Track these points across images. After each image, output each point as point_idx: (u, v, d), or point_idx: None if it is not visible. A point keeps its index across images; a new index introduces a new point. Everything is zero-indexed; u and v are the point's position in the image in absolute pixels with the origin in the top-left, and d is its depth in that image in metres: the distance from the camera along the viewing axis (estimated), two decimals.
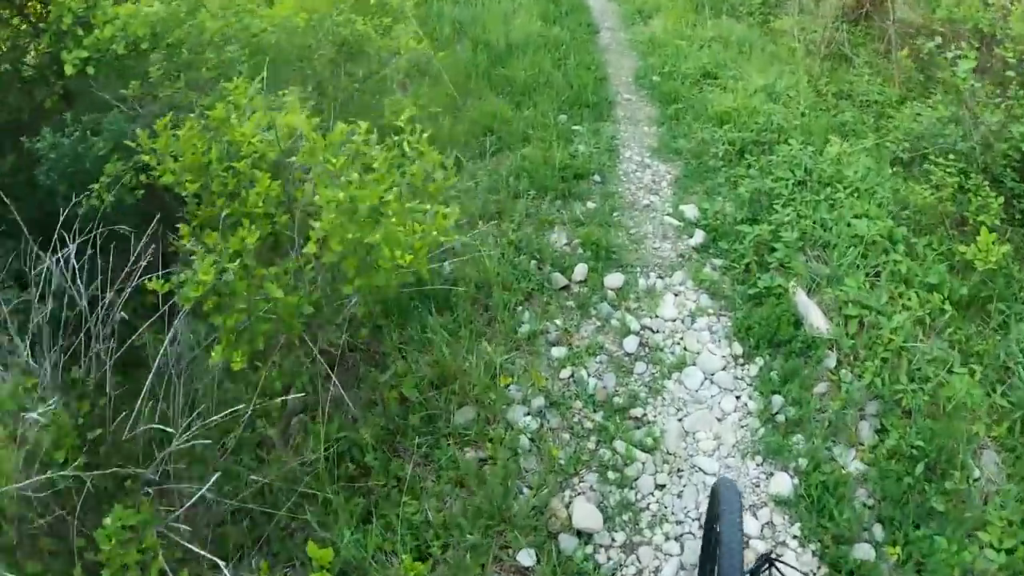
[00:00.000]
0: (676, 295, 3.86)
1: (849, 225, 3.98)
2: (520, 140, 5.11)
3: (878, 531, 2.77)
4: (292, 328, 2.47)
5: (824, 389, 3.36)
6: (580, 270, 3.92)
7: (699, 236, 4.12)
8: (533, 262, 4.00)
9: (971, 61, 3.95)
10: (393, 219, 2.29)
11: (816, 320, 3.55)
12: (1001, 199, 4.03)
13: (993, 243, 3.63)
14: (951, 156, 4.37)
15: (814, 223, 4.03)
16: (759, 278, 3.75)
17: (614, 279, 3.89)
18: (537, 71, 6.03)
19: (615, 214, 4.40)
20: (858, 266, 3.81)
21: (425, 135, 2.78)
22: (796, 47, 6.61)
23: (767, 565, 1.49)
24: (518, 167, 4.72)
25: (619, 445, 3.08)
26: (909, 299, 3.60)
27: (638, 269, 4.00)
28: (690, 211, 4.31)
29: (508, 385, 3.37)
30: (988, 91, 4.08)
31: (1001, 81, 4.35)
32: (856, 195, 4.21)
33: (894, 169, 4.71)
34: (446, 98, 5.75)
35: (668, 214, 4.39)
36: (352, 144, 2.50)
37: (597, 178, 4.74)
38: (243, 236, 2.31)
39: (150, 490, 2.10)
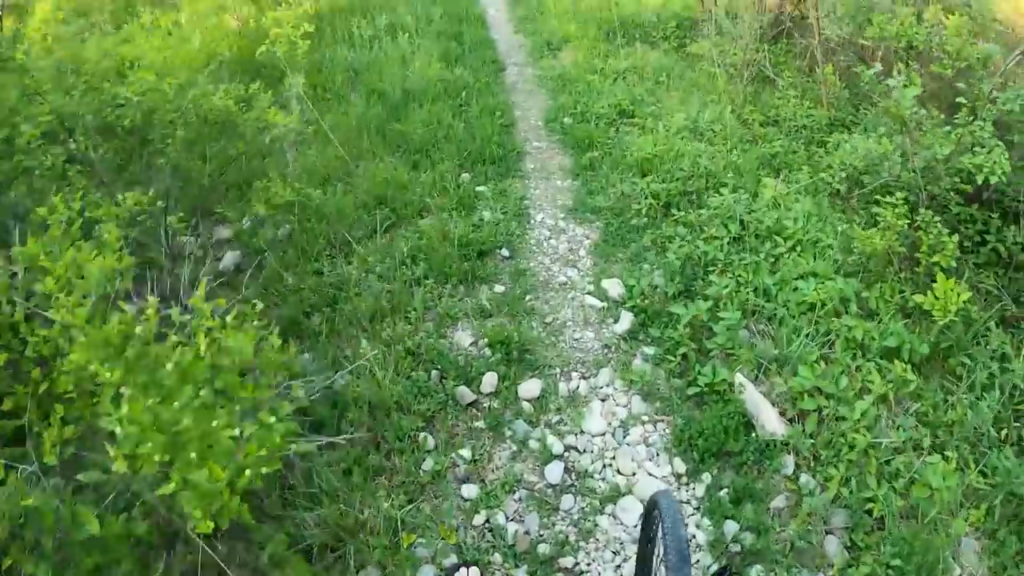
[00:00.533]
0: (603, 400, 3.19)
1: (796, 290, 3.41)
2: (417, 211, 4.41)
3: None
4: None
5: (783, 503, 2.80)
6: (489, 379, 3.21)
7: (626, 320, 3.47)
8: (434, 373, 3.27)
9: (915, 88, 3.46)
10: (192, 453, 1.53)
11: (769, 420, 2.93)
12: (955, 237, 3.55)
13: (951, 289, 3.13)
14: (893, 189, 3.90)
15: (755, 291, 3.45)
16: (699, 372, 3.12)
17: (530, 387, 3.19)
18: (436, 123, 5.37)
19: (528, 298, 3.72)
20: (809, 337, 3.24)
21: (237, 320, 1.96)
22: (716, 72, 6.15)
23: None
24: (414, 247, 4.00)
25: None
26: (869, 374, 3.05)
27: (557, 370, 3.31)
28: (614, 288, 3.67)
29: (412, 544, 2.64)
30: (936, 118, 3.59)
31: (943, 104, 3.91)
32: (799, 248, 3.66)
33: (833, 205, 4.21)
34: (336, 161, 5.02)
35: (589, 292, 3.74)
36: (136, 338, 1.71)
37: (505, 252, 4.07)
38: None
39: None
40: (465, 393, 3.17)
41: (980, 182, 3.48)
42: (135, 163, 3.92)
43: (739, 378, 3.04)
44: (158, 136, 3.66)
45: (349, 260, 4.04)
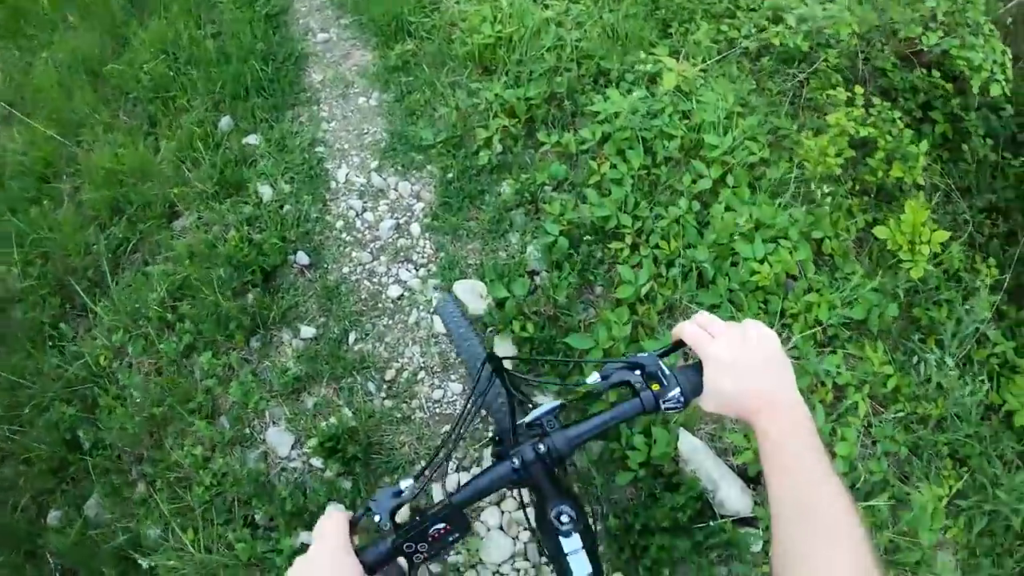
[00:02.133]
0: (504, 513, 2.03)
1: (735, 264, 2.26)
2: (162, 213, 2.80)
3: None
4: None
5: None
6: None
7: (508, 350, 2.21)
8: (260, 516, 2.04)
9: None
10: None
11: (729, 497, 1.94)
12: (924, 145, 2.51)
13: (922, 223, 2.23)
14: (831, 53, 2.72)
15: (684, 275, 2.25)
16: (629, 447, 2.00)
17: None
18: (174, 44, 3.39)
19: (352, 340, 2.36)
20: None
21: None
22: None
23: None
24: (172, 285, 2.49)
25: None
26: (840, 381, 2.10)
27: (421, 465, 2.09)
28: (472, 298, 2.33)
29: None
30: None
31: None
32: (730, 178, 2.43)
33: (741, 68, 2.95)
34: (48, 146, 3.12)
35: (437, 311, 2.38)
36: None
37: (303, 258, 2.57)
38: None
39: None
40: (307, 539, 1.95)
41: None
42: None
43: (686, 443, 1.95)
44: None
45: (90, 329, 2.50)
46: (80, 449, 2.31)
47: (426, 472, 0.97)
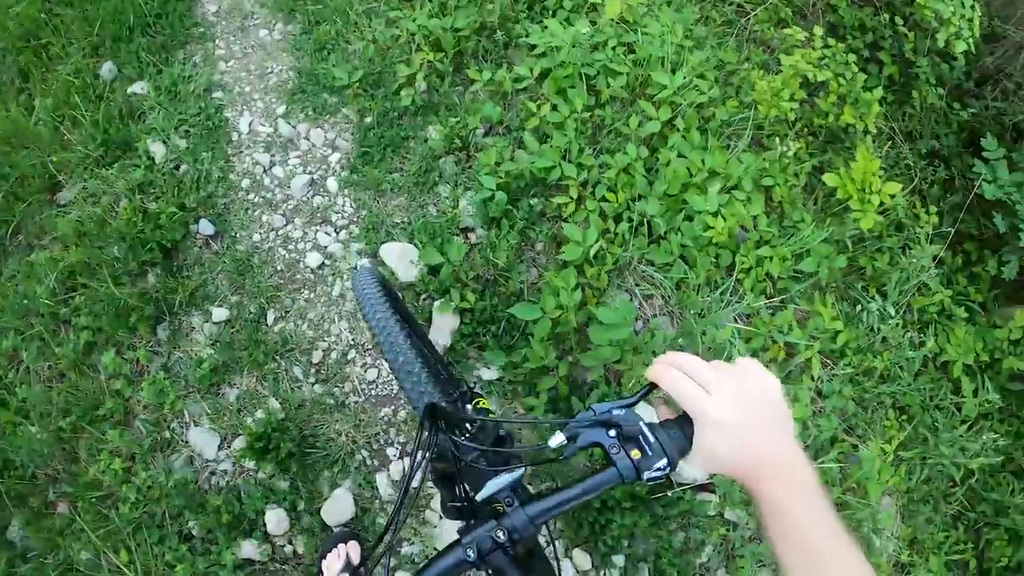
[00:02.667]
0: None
1: (689, 218, 2.09)
2: (45, 185, 2.36)
3: None
4: None
5: (712, 556, 1.91)
6: (275, 519, 1.80)
7: (444, 332, 1.96)
8: (195, 528, 1.86)
9: None
10: None
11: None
12: (879, 91, 2.41)
13: (873, 173, 2.18)
14: None
15: (633, 228, 2.06)
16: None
17: (337, 506, 1.81)
18: None
19: (272, 321, 2.07)
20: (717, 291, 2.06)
21: None
22: None
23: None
24: (63, 271, 2.12)
25: None
26: (792, 339, 2.02)
27: (364, 456, 1.88)
28: (402, 265, 2.05)
29: None
30: None
31: None
32: (679, 122, 2.23)
33: (691, 4, 2.73)
34: None
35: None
36: None
37: (207, 227, 2.22)
38: None
39: None
40: (249, 551, 1.71)
41: None
42: None
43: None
44: None
45: None
46: None
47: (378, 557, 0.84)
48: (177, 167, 2.35)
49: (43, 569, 1.83)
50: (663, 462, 0.69)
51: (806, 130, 2.62)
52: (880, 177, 2.37)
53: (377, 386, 2.00)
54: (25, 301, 2.13)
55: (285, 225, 2.25)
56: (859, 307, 2.42)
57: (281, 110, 2.47)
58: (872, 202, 2.32)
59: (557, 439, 0.73)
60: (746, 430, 0.67)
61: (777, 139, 2.41)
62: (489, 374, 1.96)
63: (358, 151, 2.32)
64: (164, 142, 2.40)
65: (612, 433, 0.71)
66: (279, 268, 2.17)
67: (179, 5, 2.78)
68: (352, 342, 2.04)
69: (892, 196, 2.34)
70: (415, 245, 2.06)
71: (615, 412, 0.72)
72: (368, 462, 1.91)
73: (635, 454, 0.70)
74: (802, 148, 2.54)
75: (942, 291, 2.53)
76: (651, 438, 0.70)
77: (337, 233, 2.22)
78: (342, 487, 1.86)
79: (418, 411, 1.03)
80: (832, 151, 2.63)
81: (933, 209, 2.66)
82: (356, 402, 1.98)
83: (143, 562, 1.78)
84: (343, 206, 2.26)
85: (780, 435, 0.69)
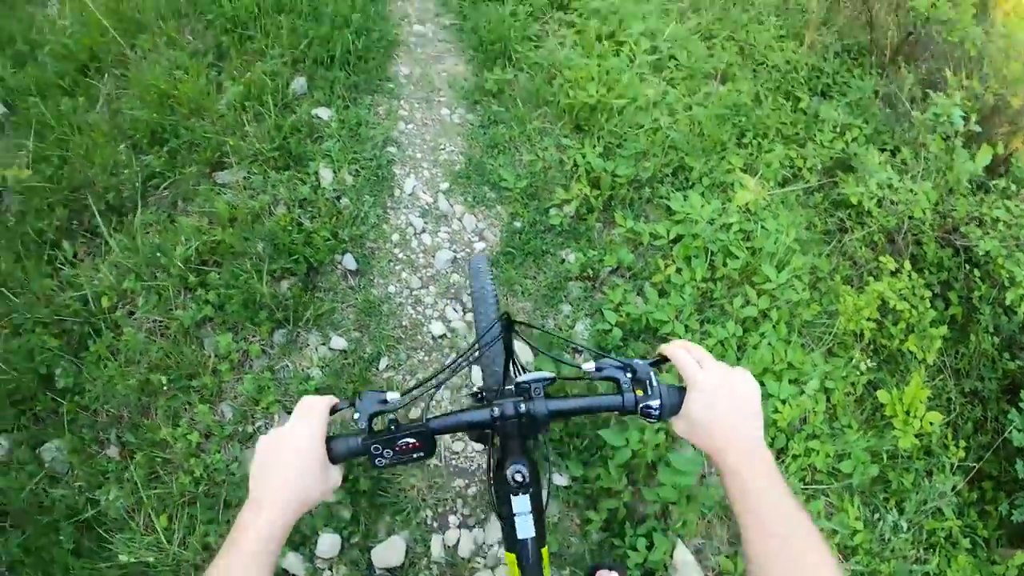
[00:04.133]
0: (493, 568, 2.14)
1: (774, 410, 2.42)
2: (210, 158, 2.68)
3: None
4: None
5: None
6: (329, 543, 2.04)
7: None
8: None
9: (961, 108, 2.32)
10: None
11: None
12: (943, 329, 2.77)
13: (920, 400, 2.54)
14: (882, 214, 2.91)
15: None
16: (633, 539, 2.14)
17: (389, 551, 2.06)
18: None
19: (383, 365, 2.37)
20: None
21: None
22: None
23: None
24: (203, 245, 2.38)
25: None
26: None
27: (428, 514, 2.16)
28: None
29: None
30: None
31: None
32: (773, 315, 2.59)
33: (799, 200, 3.13)
34: (101, 39, 2.94)
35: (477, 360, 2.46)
36: None
37: (350, 262, 2.56)
38: None
39: None
40: (293, 563, 1.96)
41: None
42: None
43: (680, 555, 2.11)
44: None
45: (96, 259, 2.39)
46: (53, 387, 2.13)
47: (412, 392, 1.04)
48: (339, 198, 2.67)
49: (72, 497, 1.93)
50: (656, 403, 0.90)
51: (871, 346, 2.97)
52: (924, 404, 2.70)
53: (460, 458, 2.30)
54: (158, 254, 2.28)
55: (420, 288, 2.60)
56: (877, 515, 2.72)
57: (444, 186, 2.87)
58: (913, 425, 2.65)
59: (590, 365, 0.96)
60: (723, 412, 0.84)
61: (847, 349, 2.76)
62: (560, 480, 2.27)
63: (502, 248, 2.70)
64: (334, 172, 2.74)
65: (628, 374, 0.93)
66: (404, 324, 2.48)
67: (378, 56, 3.20)
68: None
69: (932, 424, 2.67)
70: (531, 351, 2.41)
71: (636, 362, 0.94)
72: (429, 522, 2.12)
73: (639, 392, 0.91)
74: (863, 360, 2.89)
75: (953, 520, 2.82)
76: (655, 384, 0.91)
77: (464, 313, 2.57)
78: (399, 535, 2.03)
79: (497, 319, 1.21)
80: (887, 371, 2.97)
81: (963, 443, 2.98)
82: (437, 465, 2.27)
83: (183, 534, 1.89)
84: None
85: (751, 427, 0.84)
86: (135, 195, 2.56)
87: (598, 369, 0.94)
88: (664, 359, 0.96)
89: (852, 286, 2.96)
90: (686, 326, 2.44)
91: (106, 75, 2.98)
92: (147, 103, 2.75)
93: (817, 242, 3.09)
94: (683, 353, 0.92)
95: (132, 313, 2.30)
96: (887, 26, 3.85)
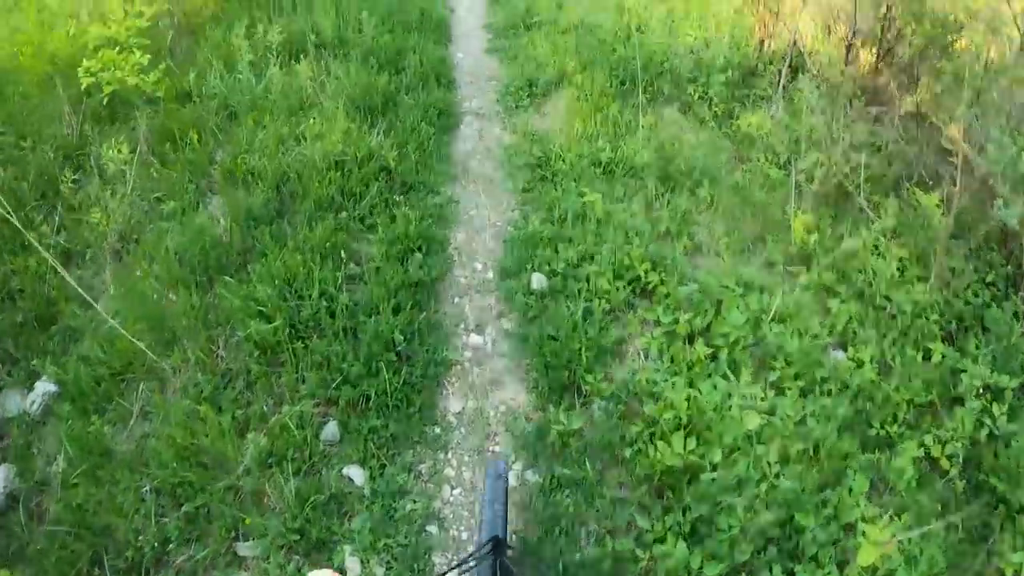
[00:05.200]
0: None
1: None
2: (225, 536, 2.28)
3: None
4: None
5: None
6: None
7: None
8: None
9: None
10: None
11: None
12: None
13: None
14: None
15: None
16: None
17: None
18: (304, 275, 3.05)
19: None
20: None
21: None
22: (777, 175, 3.85)
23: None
24: None
25: None
26: None
27: None
28: None
29: None
30: None
31: None
32: None
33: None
34: (131, 351, 2.78)
35: None
36: None
37: None
38: None
39: None
40: None
41: None
42: None
43: None
44: None
45: None
46: None
47: None
48: None
49: None
50: None
51: None
52: None
53: None
54: None
55: None
56: None
57: None
58: None
59: None
60: None
61: None
62: None
63: None
64: (362, 563, 2.22)
65: None
66: None
67: (424, 392, 2.72)
68: None
69: None
70: None
71: None
72: None
73: None
74: None
75: None
76: None
77: None
78: None
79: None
80: None
81: None
82: None
83: None
84: None
85: None
86: (155, 555, 2.23)
87: None
88: None
89: None
90: None
91: (140, 386, 2.71)
92: (167, 460, 2.42)
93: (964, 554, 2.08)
94: None
95: None
96: None
